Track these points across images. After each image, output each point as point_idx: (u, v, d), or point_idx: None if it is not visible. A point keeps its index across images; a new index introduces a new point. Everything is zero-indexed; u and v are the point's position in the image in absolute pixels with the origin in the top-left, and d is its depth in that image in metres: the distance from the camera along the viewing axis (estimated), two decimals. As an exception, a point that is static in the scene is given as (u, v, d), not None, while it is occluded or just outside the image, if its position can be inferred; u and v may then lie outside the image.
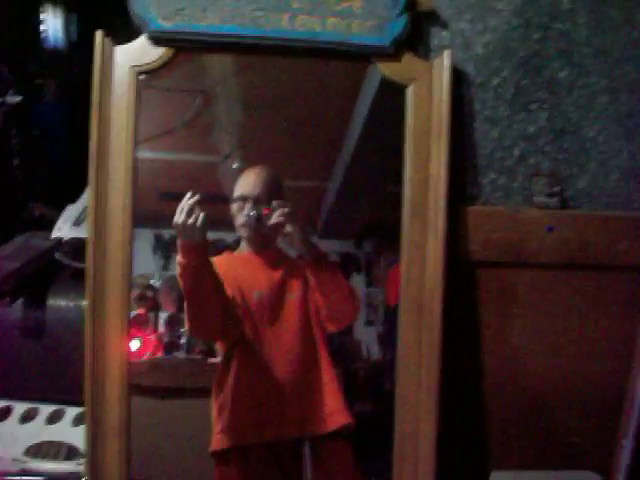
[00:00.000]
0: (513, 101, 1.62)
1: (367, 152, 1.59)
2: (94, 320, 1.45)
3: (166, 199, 1.57)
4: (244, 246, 1.56)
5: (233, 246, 1.56)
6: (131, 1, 1.42)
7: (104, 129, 1.45)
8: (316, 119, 1.61)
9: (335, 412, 1.52)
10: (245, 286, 1.52)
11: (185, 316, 1.47)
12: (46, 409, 1.74)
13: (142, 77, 1.46)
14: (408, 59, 1.50)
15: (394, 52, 1.49)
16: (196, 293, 1.44)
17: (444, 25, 1.57)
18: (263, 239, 1.53)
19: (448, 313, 1.52)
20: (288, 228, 1.48)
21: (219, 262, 1.50)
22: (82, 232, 1.83)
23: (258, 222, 1.48)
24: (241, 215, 1.52)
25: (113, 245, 1.46)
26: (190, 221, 1.37)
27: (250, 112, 1.62)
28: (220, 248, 1.56)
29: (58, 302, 1.72)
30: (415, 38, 1.54)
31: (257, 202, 1.51)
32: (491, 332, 1.64)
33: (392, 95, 1.53)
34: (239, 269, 1.55)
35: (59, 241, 1.87)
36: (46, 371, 1.71)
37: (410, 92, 1.50)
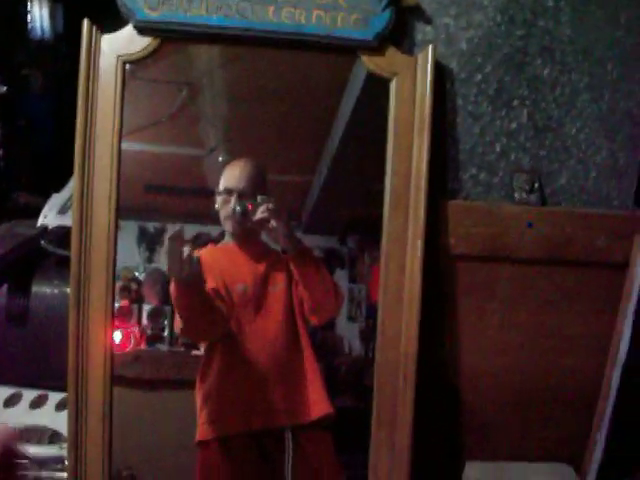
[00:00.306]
0: (495, 97, 1.63)
1: (352, 147, 1.59)
2: (78, 307, 1.46)
3: (151, 191, 1.60)
4: (228, 238, 1.57)
5: (217, 238, 1.57)
6: (118, -9, 1.43)
7: (90, 118, 1.46)
8: (302, 113, 1.61)
9: (317, 402, 1.53)
10: (229, 279, 1.54)
11: (177, 321, 1.51)
12: (30, 394, 1.77)
13: (128, 67, 1.47)
14: (392, 53, 1.51)
15: (378, 46, 1.50)
16: (189, 313, 1.48)
17: (428, 20, 1.58)
18: (247, 232, 1.54)
19: (427, 306, 1.54)
20: (272, 223, 1.49)
21: (203, 254, 1.52)
22: (67, 220, 1.85)
23: (243, 217, 1.49)
24: (226, 208, 1.53)
25: (98, 233, 1.47)
26: (185, 268, 1.40)
27: (236, 105, 1.62)
28: (204, 242, 1.57)
29: (43, 289, 1.74)
30: (399, 32, 1.55)
31: (242, 195, 1.51)
32: (469, 326, 1.66)
33: (377, 89, 1.54)
34: (223, 261, 1.56)
35: (44, 229, 1.89)
36: (30, 357, 1.75)
37: (393, 86, 1.51)
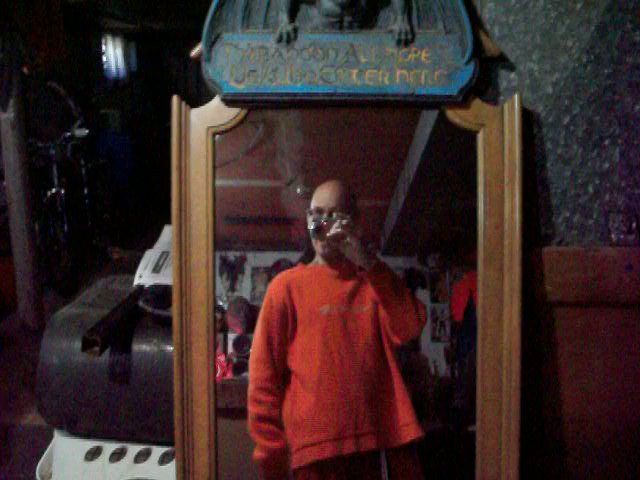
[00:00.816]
0: (585, 138, 1.60)
1: (429, 175, 1.59)
2: (182, 370, 1.51)
3: (231, 223, 1.63)
4: (318, 259, 1.58)
5: (306, 260, 1.59)
6: (206, 67, 1.47)
7: (184, 188, 1.51)
8: (378, 143, 1.63)
9: (408, 424, 1.53)
10: (315, 300, 1.56)
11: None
12: (134, 448, 1.82)
13: (217, 137, 1.51)
14: (477, 105, 1.51)
15: (462, 100, 1.49)
16: None
17: (512, 67, 1.56)
18: (337, 252, 1.55)
19: (526, 356, 1.51)
20: (347, 239, 1.50)
21: (291, 274, 1.57)
22: (162, 279, 1.91)
23: (317, 233, 1.51)
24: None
25: (197, 300, 1.52)
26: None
27: (312, 137, 1.65)
28: (284, 268, 1.60)
29: (143, 347, 1.79)
30: (483, 82, 1.55)
31: (332, 215, 1.54)
32: (570, 374, 1.63)
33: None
34: (311, 282, 1.58)
35: (141, 288, 1.94)
36: (133, 413, 1.79)
37: (480, 138, 1.50)
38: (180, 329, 1.51)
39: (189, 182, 1.50)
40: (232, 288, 1.61)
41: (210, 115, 1.50)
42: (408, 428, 1.53)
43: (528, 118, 1.57)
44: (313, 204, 1.56)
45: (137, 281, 1.95)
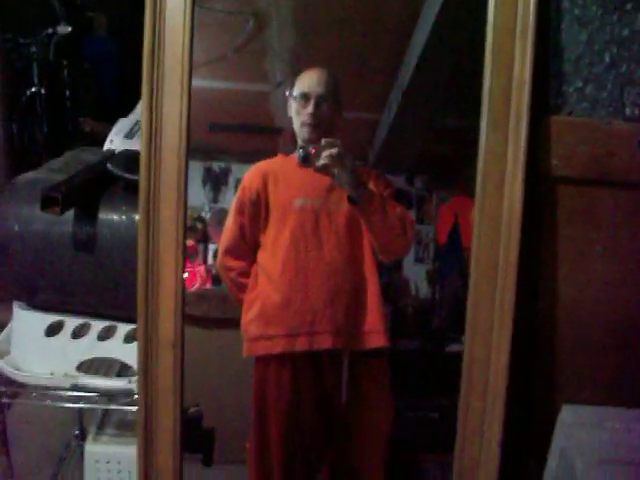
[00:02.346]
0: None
1: (425, 81, 1.53)
2: (147, 233, 1.40)
3: (216, 130, 1.58)
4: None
5: (289, 150, 1.52)
6: None
7: (158, 56, 1.37)
8: (374, 43, 1.54)
9: (374, 332, 1.48)
10: (291, 191, 1.49)
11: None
12: (98, 325, 1.73)
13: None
14: (489, -55, 1.35)
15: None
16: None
17: None
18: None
19: (523, 233, 1.41)
20: (336, 171, 1.40)
21: (269, 164, 1.51)
22: (136, 144, 1.77)
23: (304, 162, 1.39)
24: (302, 114, 1.48)
25: (168, 156, 1.40)
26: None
27: (304, 36, 1.56)
28: None
29: (110, 215, 1.67)
30: None
31: (319, 100, 1.46)
32: (570, 257, 1.52)
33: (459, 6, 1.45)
34: (289, 173, 1.50)
35: (111, 153, 1.81)
36: (98, 286, 1.68)
37: None
38: (147, 191, 1.38)
39: (163, 49, 1.34)
40: (215, 200, 1.57)
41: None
42: (373, 335, 1.48)
43: (546, -29, 1.42)
44: (297, 89, 1.48)
45: (107, 146, 1.80)
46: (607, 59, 1.48)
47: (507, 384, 1.42)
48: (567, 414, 1.54)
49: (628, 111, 1.48)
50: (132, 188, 1.63)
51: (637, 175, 1.47)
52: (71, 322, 1.73)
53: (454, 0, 1.47)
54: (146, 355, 1.41)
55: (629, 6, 1.46)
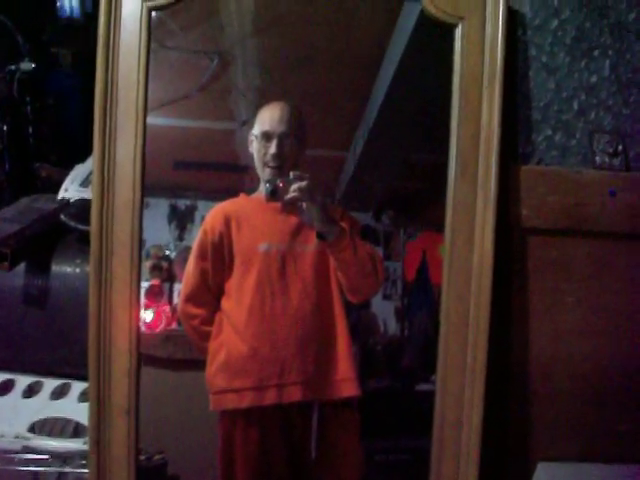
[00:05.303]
0: (573, 47, 1.46)
1: (390, 119, 1.52)
2: (99, 286, 1.31)
3: (181, 168, 1.56)
4: (262, 189, 1.43)
5: (250, 189, 1.48)
6: None
7: (112, 73, 1.30)
8: (338, 82, 1.54)
9: (346, 380, 1.42)
10: (255, 235, 1.43)
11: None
12: (51, 383, 1.66)
13: (155, 14, 1.31)
14: (457, -6, 1.33)
15: (441, -15, 1.31)
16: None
17: (498, -42, 1.39)
18: None
19: (496, 286, 1.36)
20: (305, 204, 1.34)
21: (231, 206, 1.45)
22: (90, 193, 1.71)
23: (272, 196, 1.34)
24: (263, 154, 1.42)
25: (121, 203, 1.32)
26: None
27: (269, 75, 1.56)
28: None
29: (63, 268, 1.63)
30: (464, -29, 1.37)
31: (282, 139, 1.41)
32: (542, 309, 1.48)
33: (426, 43, 1.43)
34: (252, 215, 1.45)
35: (65, 202, 1.74)
36: (50, 342, 1.63)
37: (459, 32, 1.34)
38: (99, 243, 1.31)
39: (117, 64, 1.28)
40: (180, 238, 1.54)
41: (146, -14, 1.29)
42: (345, 384, 1.42)
43: (512, 18, 1.40)
44: (259, 127, 1.43)
45: (62, 195, 1.74)
46: (576, 106, 1.47)
47: (480, 443, 1.36)
48: (543, 473, 1.48)
49: (598, 159, 1.46)
50: (86, 240, 1.57)
51: (608, 225, 1.45)
52: (22, 380, 1.65)
53: (419, 42, 1.45)
54: (98, 422, 1.32)
55: (596, 53, 1.46)
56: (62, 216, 1.62)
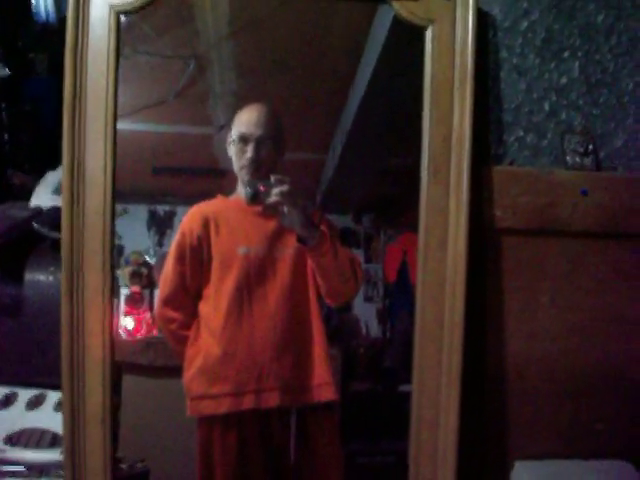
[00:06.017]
0: (543, 48, 1.48)
1: (368, 123, 1.51)
2: (71, 295, 1.30)
3: (159, 173, 1.55)
4: (240, 191, 1.43)
5: (228, 191, 1.46)
6: None
7: (80, 78, 1.29)
8: (316, 85, 1.54)
9: (322, 385, 1.42)
10: (233, 238, 1.42)
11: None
12: (26, 394, 1.63)
13: (124, 19, 1.30)
14: (427, -3, 1.33)
15: (411, -11, 1.32)
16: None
17: (467, -40, 1.40)
18: None
19: (470, 287, 1.37)
20: (286, 209, 1.33)
21: (209, 207, 1.43)
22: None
23: (253, 200, 1.33)
24: (241, 157, 1.41)
25: (92, 211, 1.31)
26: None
27: (246, 79, 1.55)
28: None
29: (37, 276, 1.60)
30: (434, -26, 1.37)
31: (259, 143, 1.40)
32: (517, 309, 1.49)
33: (401, 47, 1.43)
34: (230, 218, 1.44)
35: (38, 210, 1.72)
36: (24, 352, 1.60)
37: (429, 35, 1.34)
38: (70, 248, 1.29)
39: (85, 67, 1.27)
40: (160, 243, 1.52)
41: (114, -10, 1.28)
42: (322, 388, 1.41)
43: (482, 20, 1.42)
44: (236, 131, 1.42)
45: (34, 202, 1.71)
46: (546, 107, 1.49)
47: (457, 443, 1.36)
48: (520, 471, 1.49)
49: (569, 159, 1.47)
50: (60, 248, 1.56)
51: (581, 224, 1.46)
52: (-4, 391, 1.62)
53: (393, 46, 1.44)
54: (72, 431, 1.31)
55: (566, 54, 1.47)
56: (35, 224, 1.60)
